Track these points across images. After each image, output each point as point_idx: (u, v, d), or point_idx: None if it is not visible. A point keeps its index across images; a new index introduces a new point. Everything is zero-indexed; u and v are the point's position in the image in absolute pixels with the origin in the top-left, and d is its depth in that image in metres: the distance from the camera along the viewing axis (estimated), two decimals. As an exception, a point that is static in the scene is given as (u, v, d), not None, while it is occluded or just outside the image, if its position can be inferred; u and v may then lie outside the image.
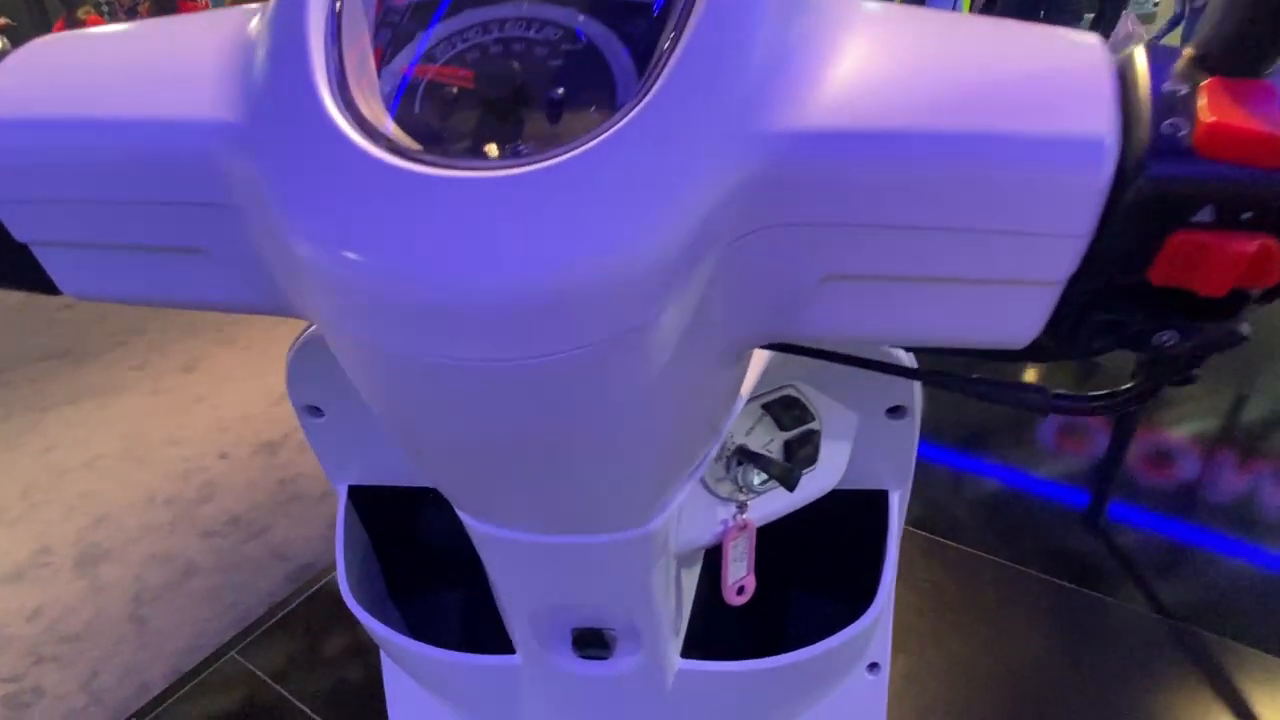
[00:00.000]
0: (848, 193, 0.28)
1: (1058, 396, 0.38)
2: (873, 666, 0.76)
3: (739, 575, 0.55)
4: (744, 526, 0.53)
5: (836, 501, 0.65)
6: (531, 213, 0.26)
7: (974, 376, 0.38)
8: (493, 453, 0.34)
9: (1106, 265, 0.29)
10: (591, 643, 0.52)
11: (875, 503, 0.67)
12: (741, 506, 0.54)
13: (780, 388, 0.56)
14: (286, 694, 1.63)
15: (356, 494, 0.71)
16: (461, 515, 0.45)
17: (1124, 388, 0.37)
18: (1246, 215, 0.26)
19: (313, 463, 2.60)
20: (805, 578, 0.74)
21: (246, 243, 0.33)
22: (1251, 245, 0.26)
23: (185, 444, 2.59)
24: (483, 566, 0.65)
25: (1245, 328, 0.31)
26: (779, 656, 0.57)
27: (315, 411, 0.65)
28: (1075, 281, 0.30)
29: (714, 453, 0.47)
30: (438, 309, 0.26)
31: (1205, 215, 0.27)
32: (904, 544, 1.96)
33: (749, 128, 0.27)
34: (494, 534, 0.44)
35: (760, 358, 0.48)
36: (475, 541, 0.47)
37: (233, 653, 1.74)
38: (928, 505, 1.99)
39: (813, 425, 0.57)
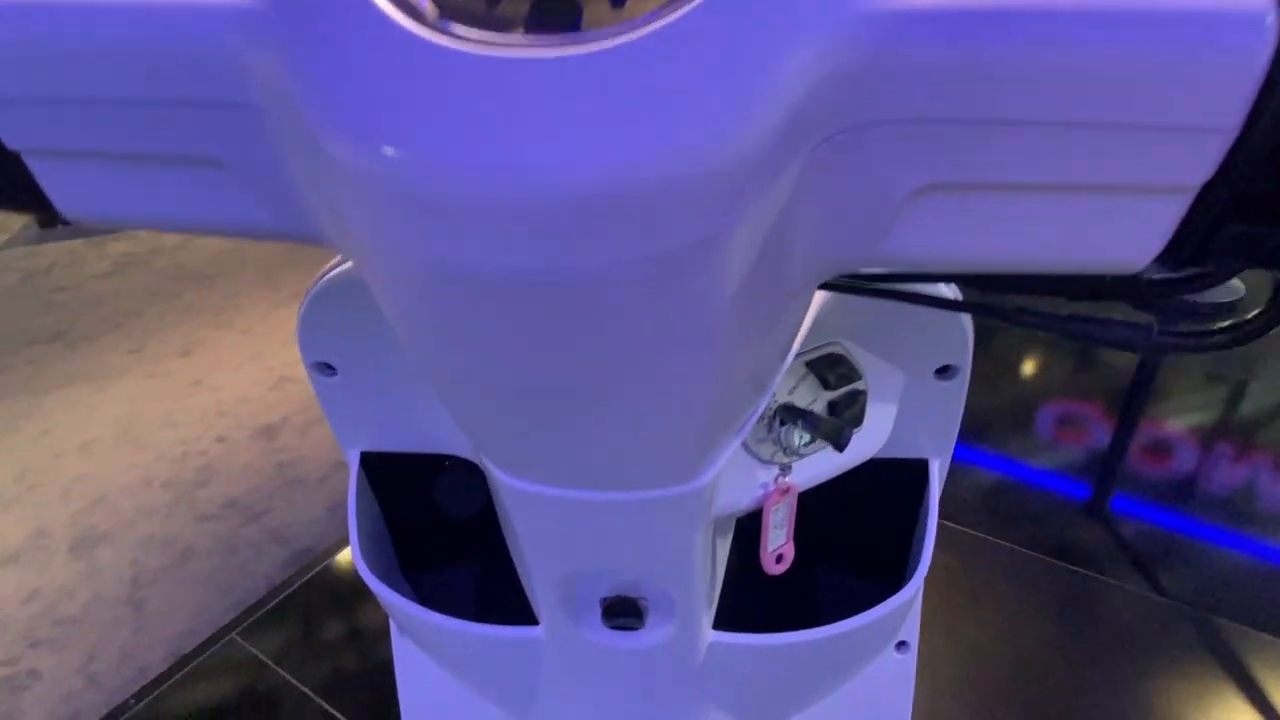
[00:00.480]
0: (963, 82, 0.24)
1: (1163, 332, 0.34)
2: (901, 645, 0.74)
3: (778, 543, 0.52)
4: (786, 490, 0.51)
5: (872, 472, 0.62)
6: (602, 96, 0.22)
7: (1067, 314, 0.35)
8: (539, 389, 0.31)
9: (1250, 167, 0.25)
10: (623, 613, 0.49)
11: (913, 472, 0.64)
12: (784, 469, 0.51)
13: (825, 344, 0.53)
14: (288, 676, 1.60)
15: (369, 463, 0.68)
16: (494, 472, 0.41)
17: (1249, 317, 0.33)
18: None
19: (312, 447, 2.58)
20: (836, 552, 0.71)
21: (268, 152, 0.30)
22: None
23: (182, 427, 2.56)
24: (500, 538, 0.62)
25: None
26: (816, 629, 0.54)
27: (328, 370, 0.62)
28: (1211, 187, 0.26)
29: (764, 408, 0.44)
30: (493, 206, 0.23)
31: None
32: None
33: (849, 3, 0.24)
34: (529, 490, 0.40)
35: (815, 302, 0.45)
36: (505, 502, 0.44)
37: (233, 634, 1.71)
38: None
39: (858, 385, 0.54)
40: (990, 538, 1.82)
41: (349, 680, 1.60)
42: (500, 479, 0.42)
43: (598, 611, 0.51)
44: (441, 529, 0.74)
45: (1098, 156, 0.25)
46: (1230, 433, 2.20)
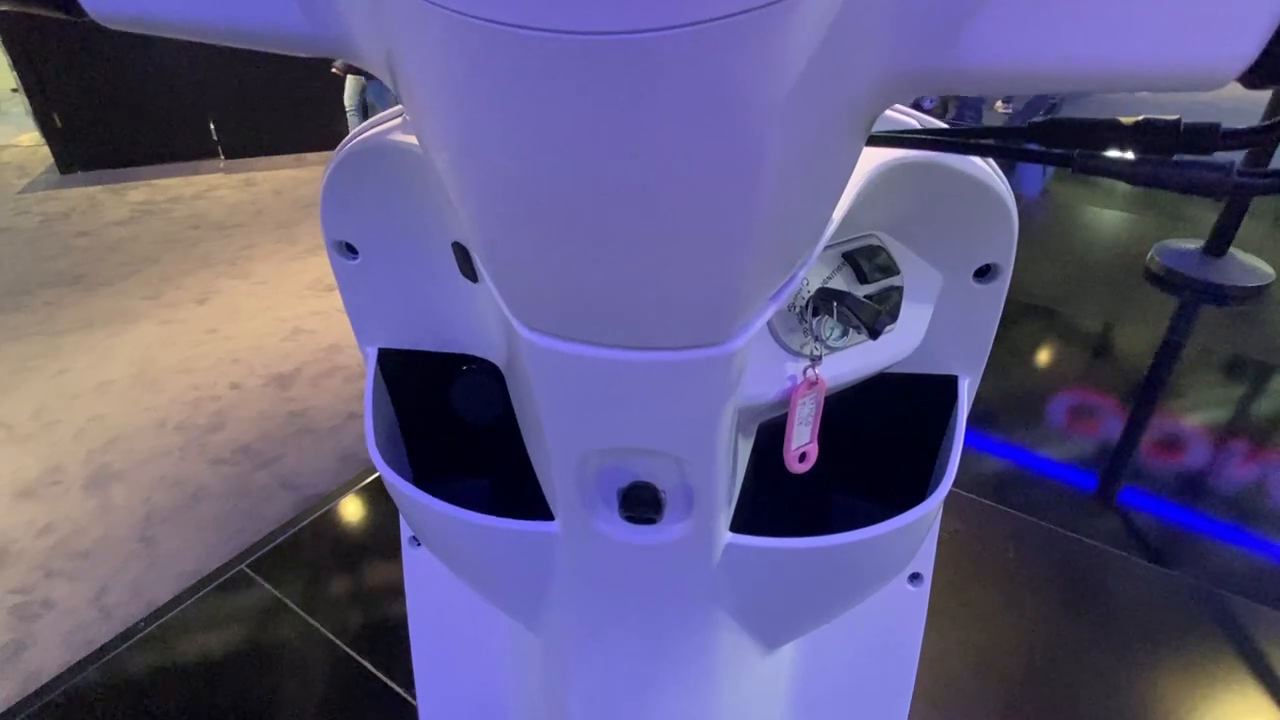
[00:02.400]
0: None
1: (1244, 173, 0.32)
2: (915, 577, 0.73)
3: (803, 441, 0.50)
4: (814, 383, 0.49)
5: (900, 390, 0.61)
6: None
7: (1137, 159, 0.33)
8: (578, 205, 0.30)
9: None
10: (640, 504, 0.48)
11: (941, 393, 0.61)
12: (814, 362, 0.49)
13: (864, 236, 0.51)
14: (294, 606, 1.63)
15: (386, 363, 0.67)
16: (520, 337, 0.40)
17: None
18: None
19: (324, 397, 2.59)
20: (859, 475, 0.70)
21: None
22: None
23: (196, 373, 2.57)
24: (514, 450, 0.61)
25: None
26: (833, 535, 0.53)
27: (349, 251, 0.60)
28: None
29: (800, 277, 0.42)
30: None
31: None
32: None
33: None
34: (555, 349, 0.39)
35: (862, 172, 0.44)
36: (529, 372, 0.43)
37: (242, 566, 1.74)
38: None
39: (895, 281, 0.52)
40: (1002, 507, 1.82)
41: (354, 611, 1.62)
42: (526, 339, 0.40)
43: (615, 504, 0.50)
44: (456, 438, 0.74)
45: None
46: (1248, 428, 2.17)
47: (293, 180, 4.51)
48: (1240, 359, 2.46)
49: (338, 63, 3.94)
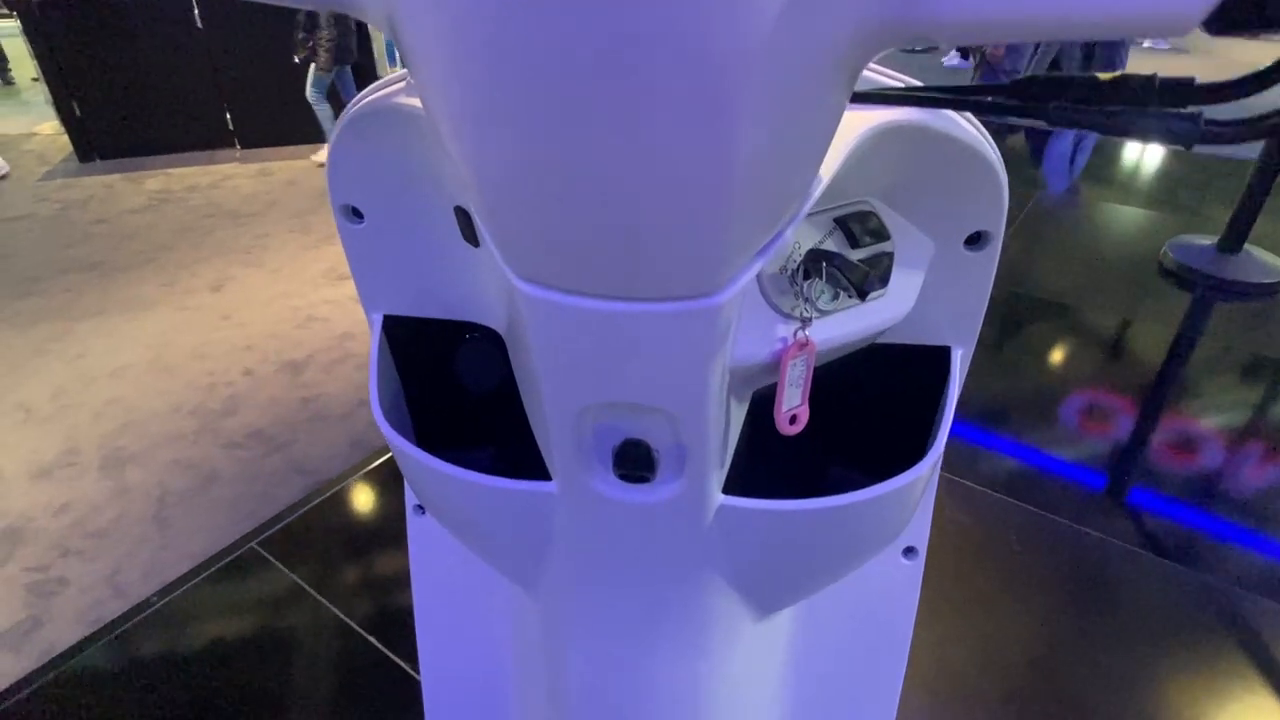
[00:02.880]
0: None
1: (1211, 122, 0.33)
2: (909, 551, 0.74)
3: (793, 403, 0.50)
4: (804, 345, 0.49)
5: (894, 362, 0.62)
6: None
7: (1110, 109, 0.34)
8: (569, 145, 0.31)
9: None
10: (634, 462, 0.49)
11: (935, 366, 0.62)
12: (804, 324, 0.50)
13: (856, 202, 0.52)
14: (303, 583, 1.66)
15: (390, 330, 0.68)
16: (518, 286, 0.41)
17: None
18: None
19: (336, 384, 2.61)
20: (852, 447, 0.70)
21: None
22: None
23: (210, 359, 2.61)
24: (515, 419, 0.62)
25: None
26: (825, 498, 0.54)
27: (355, 216, 0.61)
28: None
29: (788, 235, 0.43)
30: None
31: None
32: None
33: None
34: (551, 300, 0.40)
35: (848, 135, 0.44)
36: (527, 327, 0.44)
37: (253, 543, 1.76)
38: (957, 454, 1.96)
39: (886, 246, 0.53)
40: (1009, 498, 1.81)
41: (362, 589, 1.64)
42: (522, 292, 0.41)
43: (610, 463, 0.51)
44: (458, 405, 0.75)
45: None
46: (1261, 425, 2.15)
47: (308, 170, 4.55)
48: (1255, 356, 2.44)
49: (300, 54, 3.99)
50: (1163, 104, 0.33)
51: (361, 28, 4.21)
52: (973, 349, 0.63)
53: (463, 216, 0.54)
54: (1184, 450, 2.06)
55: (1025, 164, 4.40)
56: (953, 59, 6.80)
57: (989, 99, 0.39)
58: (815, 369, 0.52)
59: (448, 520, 0.70)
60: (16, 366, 2.59)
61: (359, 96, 0.54)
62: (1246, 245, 2.92)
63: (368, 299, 0.67)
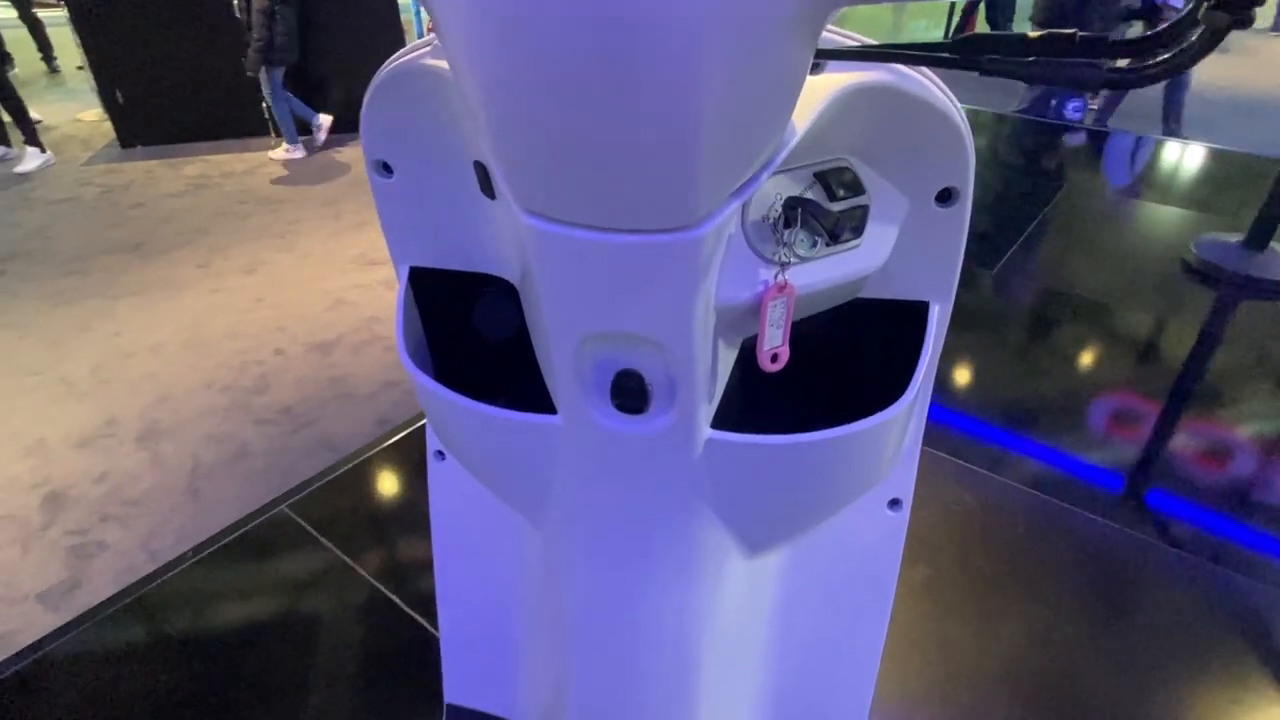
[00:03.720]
0: None
1: (1112, 70, 0.38)
2: (894, 503, 0.77)
3: (774, 342, 0.54)
4: (783, 287, 0.53)
5: (874, 315, 0.66)
6: None
7: (1030, 60, 0.39)
8: (566, 91, 0.36)
9: None
10: (629, 393, 0.53)
11: (915, 317, 0.66)
12: (783, 268, 0.53)
13: (834, 159, 0.55)
14: (331, 546, 1.72)
15: (415, 281, 0.73)
16: (525, 221, 0.46)
17: (1179, 50, 0.37)
18: None
19: (364, 365, 2.68)
20: (836, 394, 0.73)
21: None
22: None
23: (243, 339, 2.69)
24: (526, 366, 0.67)
25: None
26: (805, 434, 0.58)
27: (386, 170, 0.66)
28: None
29: (763, 179, 0.47)
30: None
31: None
32: (935, 468, 1.97)
33: None
34: (553, 232, 0.45)
35: (815, 96, 0.49)
36: (533, 259, 0.48)
37: (283, 506, 1.83)
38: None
39: (862, 200, 0.56)
40: (1018, 484, 1.83)
41: (386, 550, 1.70)
42: (528, 225, 0.46)
43: (607, 393, 0.55)
44: (475, 349, 0.79)
45: None
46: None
47: (339, 157, 4.64)
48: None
49: (250, 71, 4.24)
50: (1079, 56, 0.38)
51: (302, 30, 4.40)
52: (950, 305, 0.66)
53: (481, 171, 0.59)
54: (1207, 449, 2.05)
55: (1085, 165, 4.36)
56: None
57: (936, 55, 0.43)
58: (805, 322, 0.55)
59: (463, 455, 0.75)
60: (59, 342, 2.70)
61: (390, 61, 0.58)
62: (1272, 243, 2.89)
63: (396, 251, 0.72)
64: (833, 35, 0.53)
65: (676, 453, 0.57)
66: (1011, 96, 5.22)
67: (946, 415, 2.14)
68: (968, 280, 2.88)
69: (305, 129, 4.70)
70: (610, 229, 0.44)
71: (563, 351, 0.53)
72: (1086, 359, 2.49)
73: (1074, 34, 0.37)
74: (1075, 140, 4.67)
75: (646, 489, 0.61)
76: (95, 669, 1.49)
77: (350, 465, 2.01)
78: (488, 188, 0.59)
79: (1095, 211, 3.66)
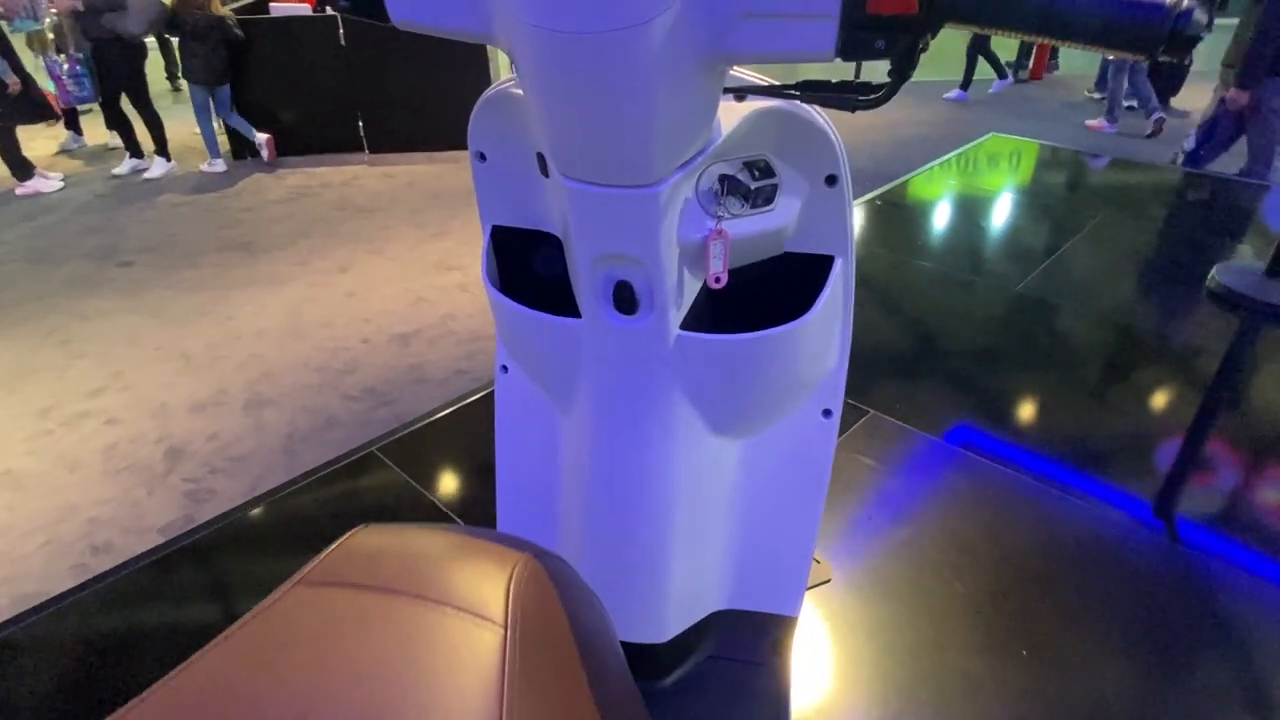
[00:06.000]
0: None
1: (860, 101, 0.60)
2: (827, 413, 0.97)
3: (716, 269, 0.79)
4: (721, 233, 0.78)
5: (798, 263, 0.89)
6: None
7: (826, 94, 0.62)
8: (576, 102, 0.59)
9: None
10: (625, 300, 0.78)
11: (825, 265, 0.90)
12: (719, 220, 0.79)
13: (756, 154, 0.80)
14: (414, 483, 1.99)
15: (495, 235, 0.98)
16: (561, 181, 0.71)
17: (878, 95, 0.60)
18: None
19: (438, 355, 3.00)
20: (774, 315, 0.95)
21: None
22: None
23: (335, 327, 3.01)
24: (565, 293, 0.90)
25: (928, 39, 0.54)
26: (739, 334, 0.82)
27: (480, 157, 0.92)
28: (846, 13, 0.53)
29: (699, 163, 0.71)
30: (565, 1, 0.53)
31: None
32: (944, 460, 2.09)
33: None
34: (576, 188, 0.70)
35: (731, 113, 0.73)
36: (568, 206, 0.73)
37: (373, 449, 2.10)
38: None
39: (774, 180, 0.82)
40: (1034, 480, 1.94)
41: (465, 489, 1.93)
42: (563, 184, 0.70)
43: (611, 301, 0.80)
44: (533, 282, 1.03)
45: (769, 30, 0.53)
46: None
47: (425, 174, 5.03)
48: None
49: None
50: (849, 93, 0.61)
51: (233, 56, 4.92)
52: (850, 258, 0.90)
53: (539, 158, 0.83)
54: (1227, 473, 2.12)
55: (1089, 192, 4.40)
56: (951, 94, 7.28)
57: (786, 89, 0.66)
58: (753, 269, 0.78)
59: (519, 353, 0.99)
60: (180, 323, 3.07)
61: (487, 91, 0.84)
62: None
63: (484, 213, 0.97)
64: (744, 75, 0.77)
65: (655, 345, 0.81)
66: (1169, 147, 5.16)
67: (1002, 447, 2.27)
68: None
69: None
70: (609, 185, 0.69)
71: (583, 268, 0.78)
72: (1101, 383, 2.57)
73: (851, 81, 0.61)
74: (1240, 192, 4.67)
75: (636, 372, 0.84)
76: (219, 562, 1.76)
77: (436, 415, 2.28)
78: (544, 169, 0.84)
79: (1123, 237, 3.70)
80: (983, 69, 7.28)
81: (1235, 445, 2.21)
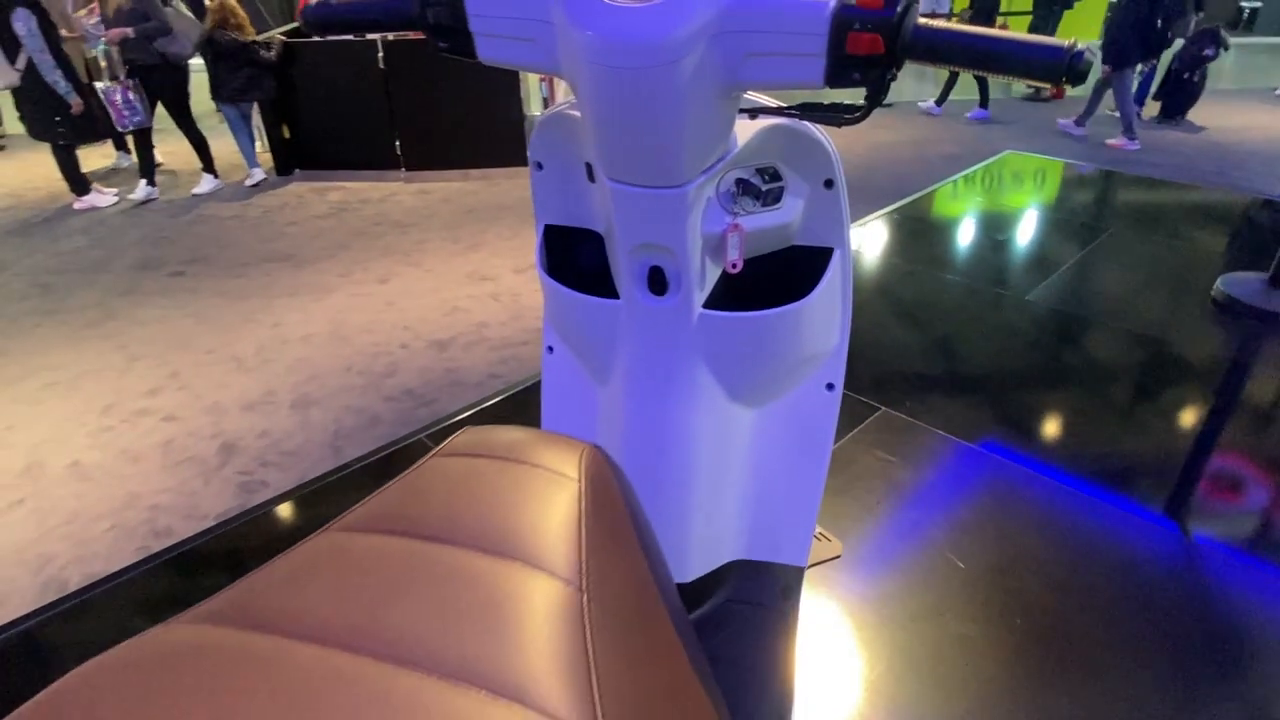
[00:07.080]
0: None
1: (847, 118, 0.72)
2: (830, 386, 1.08)
3: (733, 257, 0.92)
4: (736, 227, 0.91)
5: (802, 254, 1.02)
6: (645, 20, 0.66)
7: (814, 111, 0.75)
8: (624, 119, 0.72)
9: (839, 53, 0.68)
10: (657, 283, 0.91)
11: (826, 256, 1.02)
12: (735, 216, 0.91)
13: (766, 161, 0.93)
14: None
15: (547, 232, 1.10)
16: (606, 182, 0.84)
17: (859, 114, 0.72)
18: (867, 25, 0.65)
19: (473, 360, 3.14)
20: (782, 298, 1.06)
21: (556, 38, 0.76)
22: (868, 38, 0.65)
23: (376, 334, 3.16)
24: (606, 280, 1.02)
25: (893, 73, 0.68)
26: (753, 312, 0.94)
27: (538, 166, 1.05)
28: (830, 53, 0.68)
29: (719, 169, 0.83)
30: (619, 45, 0.67)
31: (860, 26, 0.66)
32: (947, 453, 2.17)
33: None
34: (616, 188, 0.83)
35: (746, 129, 0.86)
36: (610, 204, 0.85)
37: (421, 436, 2.23)
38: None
39: (782, 184, 0.95)
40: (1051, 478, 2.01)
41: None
42: (607, 184, 0.83)
43: (645, 284, 0.92)
44: (579, 271, 1.14)
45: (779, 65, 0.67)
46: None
47: (459, 191, 5.21)
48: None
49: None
50: (838, 112, 0.73)
51: (258, 77, 5.08)
52: (848, 250, 1.02)
53: (588, 167, 0.96)
54: (1231, 483, 2.17)
55: (1093, 207, 4.45)
56: (927, 103, 7.70)
57: (789, 109, 0.78)
58: (766, 260, 0.90)
59: (565, 332, 1.10)
60: (231, 329, 3.24)
61: (544, 112, 0.97)
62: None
63: (539, 214, 1.10)
64: (756, 98, 0.91)
65: (682, 321, 0.94)
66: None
67: (1027, 461, 2.34)
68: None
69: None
70: (645, 185, 0.82)
71: (623, 256, 0.91)
72: (1106, 391, 2.63)
73: (839, 103, 0.74)
74: None
75: (665, 345, 0.96)
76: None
77: (482, 406, 2.42)
78: (590, 176, 0.97)
79: (1129, 249, 3.75)
80: (969, 89, 7.52)
81: (1236, 446, 2.26)
